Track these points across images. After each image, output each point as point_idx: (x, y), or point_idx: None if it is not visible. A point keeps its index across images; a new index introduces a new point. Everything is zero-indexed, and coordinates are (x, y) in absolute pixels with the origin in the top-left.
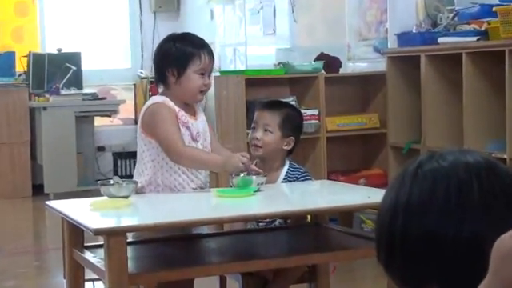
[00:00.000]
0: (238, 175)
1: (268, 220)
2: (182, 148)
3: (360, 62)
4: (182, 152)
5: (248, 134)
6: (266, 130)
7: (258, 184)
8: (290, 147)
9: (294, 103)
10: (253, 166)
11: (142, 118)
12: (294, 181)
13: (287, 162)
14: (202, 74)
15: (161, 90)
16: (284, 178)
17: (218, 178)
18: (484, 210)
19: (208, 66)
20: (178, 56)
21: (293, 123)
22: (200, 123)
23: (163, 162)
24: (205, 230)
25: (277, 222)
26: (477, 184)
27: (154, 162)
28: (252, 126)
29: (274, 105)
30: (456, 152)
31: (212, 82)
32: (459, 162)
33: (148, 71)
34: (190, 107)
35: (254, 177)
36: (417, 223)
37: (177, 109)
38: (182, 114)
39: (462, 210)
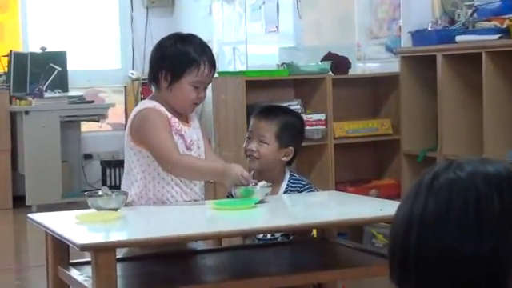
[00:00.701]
0: (241, 185)
1: (269, 237)
2: (178, 157)
3: (371, 62)
4: (177, 161)
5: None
6: (261, 141)
7: (265, 194)
8: (288, 158)
9: (298, 107)
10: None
11: (130, 124)
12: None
13: (288, 173)
14: (197, 87)
15: (153, 91)
16: (284, 192)
17: (216, 189)
18: (505, 224)
19: (206, 78)
20: (174, 60)
21: (291, 132)
22: (193, 130)
23: (155, 173)
24: (201, 245)
25: (279, 238)
26: (497, 196)
27: (144, 173)
28: (247, 135)
29: (270, 113)
30: (475, 161)
31: (209, 87)
32: (478, 172)
33: (139, 72)
34: (182, 113)
35: (257, 187)
36: (432, 238)
37: (169, 115)
38: (175, 121)
39: (480, 223)
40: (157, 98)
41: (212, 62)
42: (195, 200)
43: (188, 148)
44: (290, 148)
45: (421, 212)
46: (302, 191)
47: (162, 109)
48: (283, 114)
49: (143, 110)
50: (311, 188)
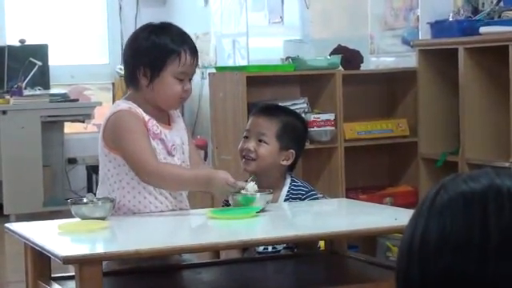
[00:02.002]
0: (239, 192)
1: (270, 249)
2: (155, 165)
3: (385, 56)
4: (155, 170)
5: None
6: (260, 141)
7: (266, 202)
8: (289, 162)
9: (304, 106)
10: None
11: (103, 128)
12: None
13: (288, 179)
14: (181, 79)
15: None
16: (285, 200)
17: (213, 197)
18: None
19: (190, 68)
20: (152, 53)
21: (293, 134)
22: (176, 133)
23: (134, 183)
24: (192, 258)
25: (281, 251)
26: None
27: (122, 182)
28: (244, 134)
29: (271, 111)
30: (491, 173)
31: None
32: (494, 185)
33: None
34: (163, 113)
35: (258, 194)
36: (434, 261)
37: (146, 117)
38: (153, 124)
39: (484, 244)
40: (134, 98)
41: (194, 50)
42: (181, 209)
43: (169, 153)
44: (291, 151)
45: (421, 233)
46: (304, 199)
47: (139, 111)
48: (285, 114)
49: (117, 112)
50: (315, 195)
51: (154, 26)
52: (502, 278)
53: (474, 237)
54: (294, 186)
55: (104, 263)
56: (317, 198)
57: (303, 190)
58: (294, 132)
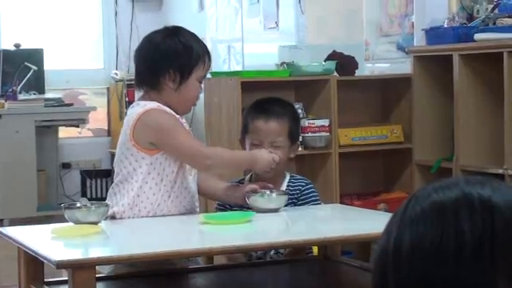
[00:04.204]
0: (257, 193)
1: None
2: (208, 150)
3: (380, 62)
4: (210, 154)
5: (246, 148)
6: (273, 146)
7: (284, 202)
8: (295, 153)
9: (299, 111)
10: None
11: (133, 127)
12: (298, 193)
13: (287, 174)
14: (201, 82)
15: (139, 94)
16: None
17: (207, 201)
18: (494, 258)
19: (207, 72)
20: (183, 57)
21: (299, 124)
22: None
23: (152, 183)
24: (197, 262)
25: (271, 252)
26: (481, 228)
27: (142, 181)
28: (253, 142)
29: (277, 112)
30: (461, 182)
31: (201, 85)
32: (464, 193)
33: (124, 72)
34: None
35: (274, 194)
36: (408, 270)
37: (176, 115)
38: (184, 122)
39: (458, 252)
40: (154, 99)
41: (210, 56)
42: (182, 213)
43: None
44: (298, 143)
45: (394, 244)
46: (303, 190)
47: (167, 109)
48: (286, 107)
49: (148, 111)
50: (313, 188)
51: (172, 30)
52: (476, 284)
53: (448, 244)
54: (294, 179)
55: (109, 266)
56: (314, 192)
57: (303, 182)
58: (297, 122)
